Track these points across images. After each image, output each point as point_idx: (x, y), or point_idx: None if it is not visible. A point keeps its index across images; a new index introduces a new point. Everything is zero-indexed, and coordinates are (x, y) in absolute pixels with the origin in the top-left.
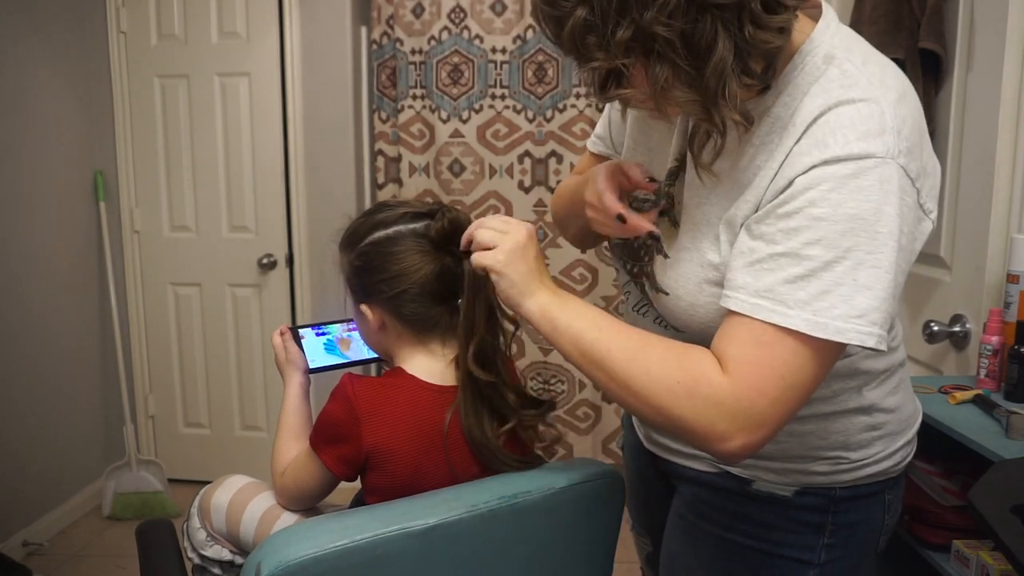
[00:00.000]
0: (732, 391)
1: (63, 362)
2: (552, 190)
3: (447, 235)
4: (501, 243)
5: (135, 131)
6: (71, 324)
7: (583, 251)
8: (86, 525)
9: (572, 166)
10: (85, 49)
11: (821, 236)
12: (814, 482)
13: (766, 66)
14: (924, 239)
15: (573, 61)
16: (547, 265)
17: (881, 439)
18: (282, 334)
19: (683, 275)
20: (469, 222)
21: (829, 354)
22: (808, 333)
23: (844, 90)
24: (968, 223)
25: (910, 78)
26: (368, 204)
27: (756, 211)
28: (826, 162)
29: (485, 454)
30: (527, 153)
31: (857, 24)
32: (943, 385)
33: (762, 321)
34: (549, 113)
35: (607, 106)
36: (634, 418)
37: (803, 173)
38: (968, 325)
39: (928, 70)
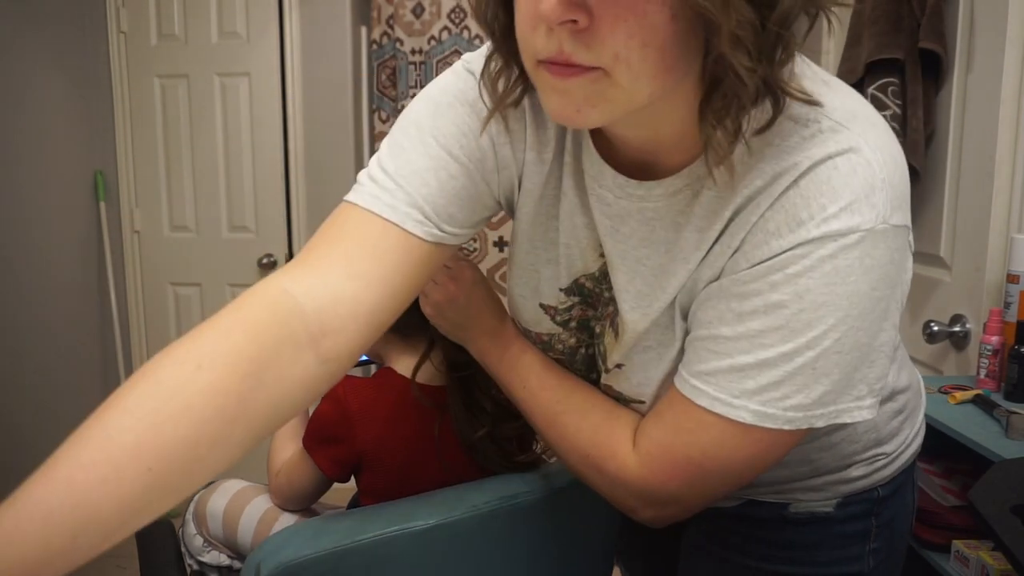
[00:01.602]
0: (639, 474)
1: (63, 362)
2: None
3: None
4: (431, 293)
5: (135, 131)
6: (71, 324)
7: None
8: None
9: None
10: (85, 49)
11: (780, 324)
12: (855, 488)
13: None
14: (909, 273)
15: None
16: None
17: (907, 421)
18: None
19: (654, 379)
20: None
21: (777, 442)
22: (754, 424)
23: (811, 145)
24: (968, 223)
25: (910, 78)
26: None
27: (713, 281)
28: (800, 244)
29: (476, 454)
30: None
31: (857, 24)
32: (943, 385)
33: (701, 407)
34: None
35: (445, 174)
36: None
37: (771, 257)
38: (968, 325)
39: (928, 70)
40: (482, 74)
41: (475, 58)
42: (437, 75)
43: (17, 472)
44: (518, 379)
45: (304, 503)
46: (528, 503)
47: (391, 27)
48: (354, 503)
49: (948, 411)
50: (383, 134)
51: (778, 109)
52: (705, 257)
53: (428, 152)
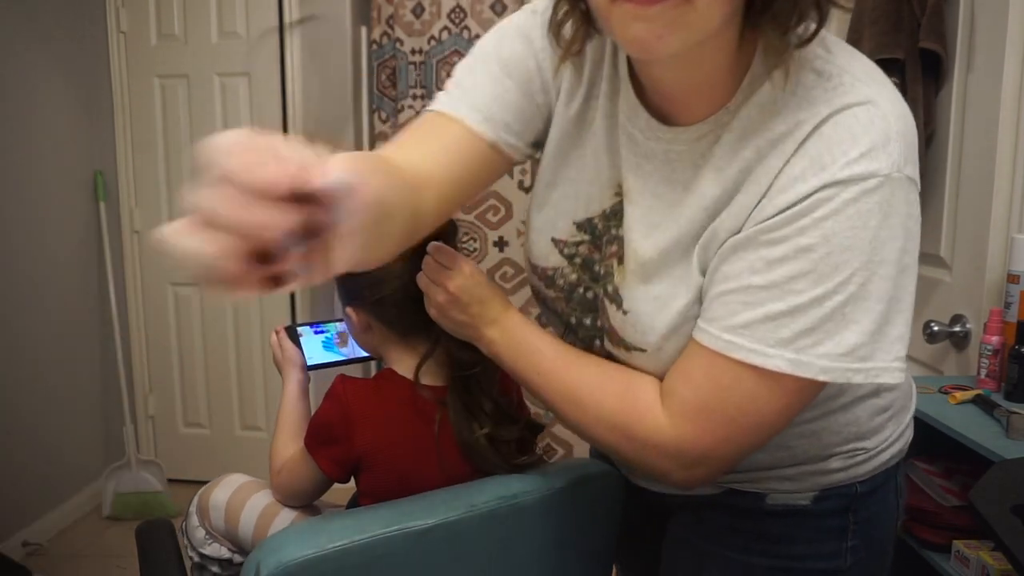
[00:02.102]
0: (673, 434)
1: (63, 362)
2: None
3: (427, 240)
4: (433, 296)
5: (135, 131)
6: (71, 324)
7: None
8: (86, 525)
9: None
10: (85, 49)
11: (809, 269)
12: (833, 481)
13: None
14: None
15: None
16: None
17: (892, 419)
18: (277, 333)
19: (658, 327)
20: (453, 228)
21: (806, 392)
22: (789, 373)
23: (832, 95)
24: (968, 223)
25: (910, 78)
26: None
27: (736, 233)
28: (825, 187)
29: (474, 456)
30: None
31: (857, 24)
32: (943, 385)
33: (736, 360)
34: None
35: (498, 82)
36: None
37: (798, 202)
38: (968, 325)
39: (928, 70)
40: (549, 21)
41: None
42: (437, 75)
43: (17, 471)
44: (530, 365)
45: (305, 501)
46: (528, 503)
47: (391, 27)
48: (353, 503)
49: (948, 411)
50: (383, 134)
51: (822, 22)
52: (728, 206)
53: (489, 72)
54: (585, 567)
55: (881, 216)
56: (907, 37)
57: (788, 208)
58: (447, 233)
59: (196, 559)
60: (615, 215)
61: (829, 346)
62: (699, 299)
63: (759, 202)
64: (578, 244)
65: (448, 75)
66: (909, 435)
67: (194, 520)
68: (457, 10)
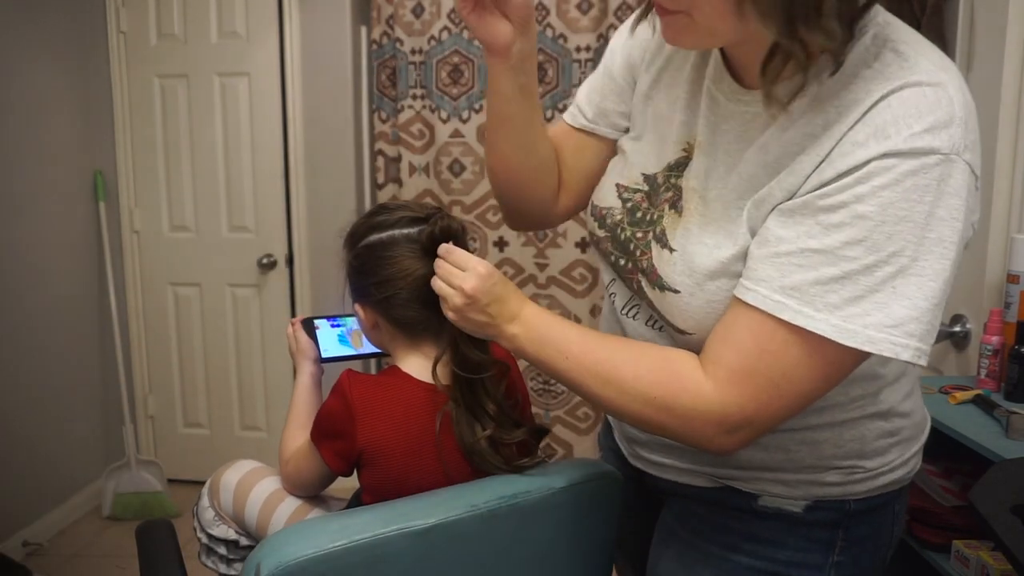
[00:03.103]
0: (718, 400)
1: (63, 362)
2: None
3: (437, 242)
4: (450, 299)
5: (135, 131)
6: (71, 324)
7: (583, 250)
8: (86, 525)
9: None
10: (85, 49)
11: (864, 236)
12: (826, 494)
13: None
14: (973, 229)
15: None
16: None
17: (897, 445)
18: (293, 325)
19: (698, 269)
20: (462, 229)
21: (849, 363)
22: (834, 340)
23: (906, 72)
24: None
25: None
26: (368, 204)
27: (791, 198)
28: (886, 155)
29: (474, 456)
30: None
31: None
32: (943, 385)
33: (782, 321)
34: (548, 113)
35: (598, 75)
36: (616, 436)
37: (858, 167)
38: (968, 325)
39: None
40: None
41: None
42: (437, 75)
43: (17, 471)
44: (557, 353)
45: (311, 491)
46: (528, 503)
47: (391, 27)
48: (356, 498)
49: (948, 411)
50: (383, 134)
51: (839, 62)
52: (789, 166)
53: (598, 69)
54: (585, 567)
55: (938, 194)
56: None
57: (848, 173)
58: (456, 233)
59: (205, 540)
60: (679, 166)
61: (878, 317)
62: (741, 256)
63: (819, 164)
64: (635, 192)
65: (448, 75)
66: (914, 465)
67: (205, 501)
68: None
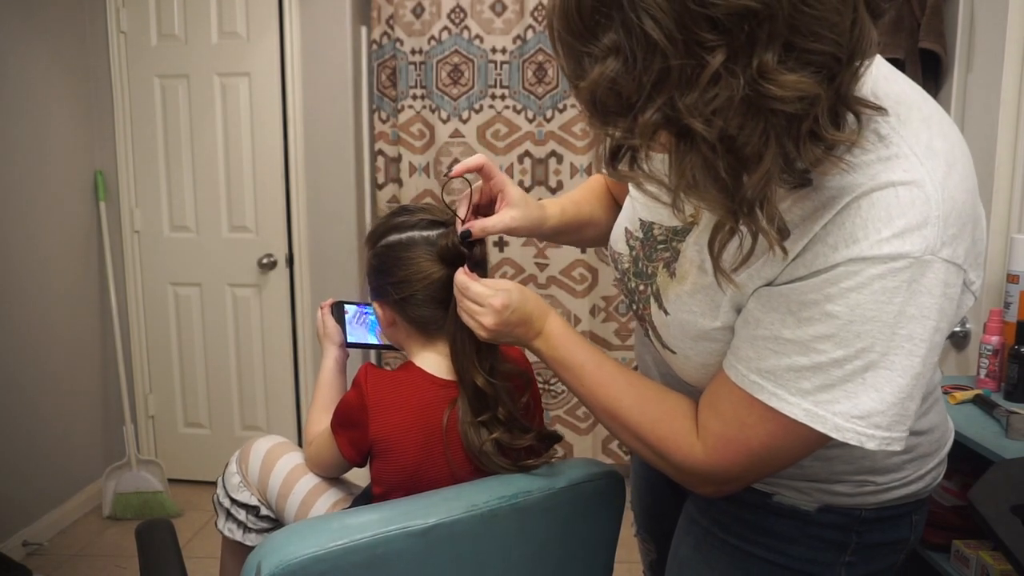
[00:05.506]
0: (706, 462)
1: (63, 362)
2: (553, 190)
3: (454, 253)
4: (481, 319)
5: (135, 131)
6: (71, 324)
7: (583, 250)
8: (86, 525)
9: (572, 166)
10: (85, 49)
11: (833, 332)
12: (838, 502)
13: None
14: (964, 312)
15: (586, 113)
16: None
17: (912, 462)
18: (322, 309)
19: (689, 334)
20: (483, 255)
21: (824, 440)
22: (805, 423)
23: (882, 168)
24: None
25: (910, 78)
26: (368, 204)
27: (769, 284)
28: (852, 260)
29: (479, 456)
30: (527, 153)
31: None
32: (943, 385)
33: (758, 400)
34: (549, 113)
35: None
36: None
37: (827, 268)
38: (968, 325)
39: (928, 70)
40: None
41: None
42: (437, 75)
43: (17, 470)
44: (574, 378)
45: (331, 473)
46: (529, 503)
47: (391, 27)
48: (365, 491)
49: (948, 411)
50: (383, 134)
51: (805, 180)
52: (767, 255)
53: None
54: (585, 567)
55: (908, 294)
56: (907, 37)
57: (818, 273)
58: (477, 260)
59: (227, 504)
60: (683, 232)
61: (847, 406)
62: (727, 327)
63: (793, 260)
64: (637, 240)
65: (448, 75)
66: (933, 479)
67: (233, 467)
68: (457, 10)
